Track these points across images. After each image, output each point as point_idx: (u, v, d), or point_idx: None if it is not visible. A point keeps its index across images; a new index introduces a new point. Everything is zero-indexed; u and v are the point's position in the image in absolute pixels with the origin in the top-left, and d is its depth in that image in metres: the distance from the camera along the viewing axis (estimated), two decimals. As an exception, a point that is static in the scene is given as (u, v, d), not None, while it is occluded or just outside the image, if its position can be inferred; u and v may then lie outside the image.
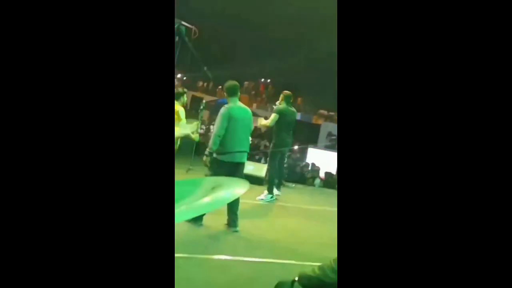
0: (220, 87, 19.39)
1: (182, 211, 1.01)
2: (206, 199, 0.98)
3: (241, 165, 4.27)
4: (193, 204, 1.01)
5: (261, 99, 20.83)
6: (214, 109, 17.68)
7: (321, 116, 17.90)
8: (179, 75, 18.39)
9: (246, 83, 20.75)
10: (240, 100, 4.40)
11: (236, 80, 4.55)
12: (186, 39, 1.59)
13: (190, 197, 1.06)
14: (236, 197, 0.97)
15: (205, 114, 17.56)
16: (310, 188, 9.21)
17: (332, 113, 17.81)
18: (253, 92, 20.24)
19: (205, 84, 21.39)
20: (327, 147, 12.35)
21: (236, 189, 1.03)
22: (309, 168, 10.54)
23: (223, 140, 4.09)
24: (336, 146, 12.31)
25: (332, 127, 13.13)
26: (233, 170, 4.10)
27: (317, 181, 9.89)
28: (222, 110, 4.16)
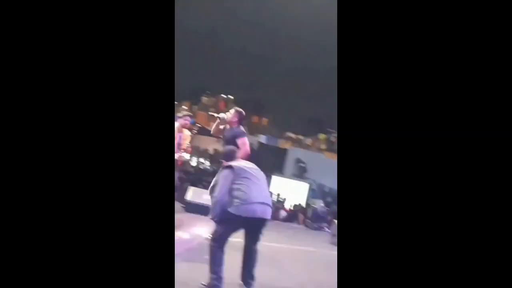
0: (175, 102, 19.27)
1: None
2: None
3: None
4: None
5: (221, 118, 20.71)
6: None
7: (289, 139, 18.07)
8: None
9: (204, 98, 20.73)
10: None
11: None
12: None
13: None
14: (202, 239, 0.91)
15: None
16: (274, 223, 9.14)
17: (301, 137, 18.04)
18: (212, 109, 20.18)
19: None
20: (295, 176, 12.44)
21: (202, 229, 0.94)
22: (274, 198, 10.57)
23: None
24: (304, 175, 12.44)
25: (301, 153, 13.27)
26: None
27: (283, 213, 9.87)
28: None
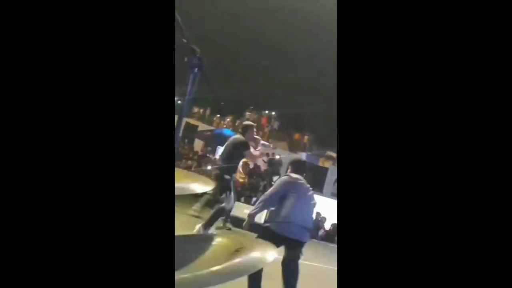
0: (218, 115, 19.49)
1: (183, 282, 0.89)
2: (220, 267, 0.87)
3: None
4: (200, 274, 0.90)
5: (262, 134, 20.94)
6: (209, 140, 17.64)
7: (329, 158, 17.84)
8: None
9: (247, 113, 20.89)
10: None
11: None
12: (198, 73, 1.58)
13: (199, 260, 0.96)
14: (261, 265, 0.86)
15: (198, 144, 17.56)
16: (312, 241, 9.02)
17: (341, 156, 17.75)
18: (254, 125, 20.27)
19: (201, 110, 21.53)
20: (335, 195, 12.24)
21: (266, 253, 0.93)
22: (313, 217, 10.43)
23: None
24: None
25: (342, 173, 13.02)
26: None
27: (321, 232, 9.74)
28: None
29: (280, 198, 3.69)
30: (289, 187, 3.71)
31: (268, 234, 3.52)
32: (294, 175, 3.83)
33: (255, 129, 5.65)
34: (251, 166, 6.60)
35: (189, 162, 12.18)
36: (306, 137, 22.17)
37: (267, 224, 3.74)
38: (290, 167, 4.02)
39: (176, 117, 1.67)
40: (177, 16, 1.55)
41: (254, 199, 8.54)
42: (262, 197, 3.84)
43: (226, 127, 16.58)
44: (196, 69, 1.53)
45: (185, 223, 6.04)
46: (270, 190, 3.83)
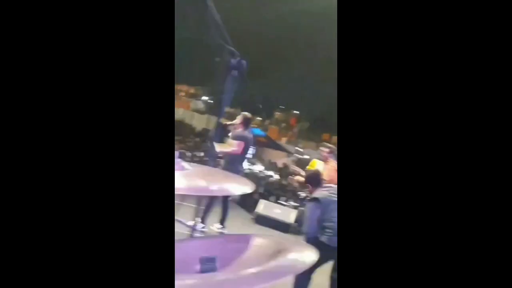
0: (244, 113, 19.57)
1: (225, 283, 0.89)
2: (261, 268, 0.87)
3: None
4: (239, 275, 0.89)
5: (291, 134, 20.85)
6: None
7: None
8: (204, 97, 18.68)
9: (277, 113, 20.88)
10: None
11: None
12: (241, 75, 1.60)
13: (236, 261, 0.96)
14: (305, 267, 0.85)
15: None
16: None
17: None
18: (283, 125, 20.26)
19: (231, 110, 21.67)
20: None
21: (306, 256, 0.92)
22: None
23: None
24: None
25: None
26: None
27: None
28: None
29: (317, 222, 3.59)
30: (322, 209, 3.61)
31: (322, 249, 3.41)
32: (319, 195, 3.71)
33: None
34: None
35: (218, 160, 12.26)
36: (334, 137, 21.98)
37: (318, 236, 3.62)
38: (309, 185, 3.92)
39: (207, 117, 1.69)
40: (216, 17, 1.55)
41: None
42: (305, 234, 3.73)
43: (256, 127, 16.61)
44: (236, 71, 1.54)
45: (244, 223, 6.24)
46: (306, 222, 3.72)
